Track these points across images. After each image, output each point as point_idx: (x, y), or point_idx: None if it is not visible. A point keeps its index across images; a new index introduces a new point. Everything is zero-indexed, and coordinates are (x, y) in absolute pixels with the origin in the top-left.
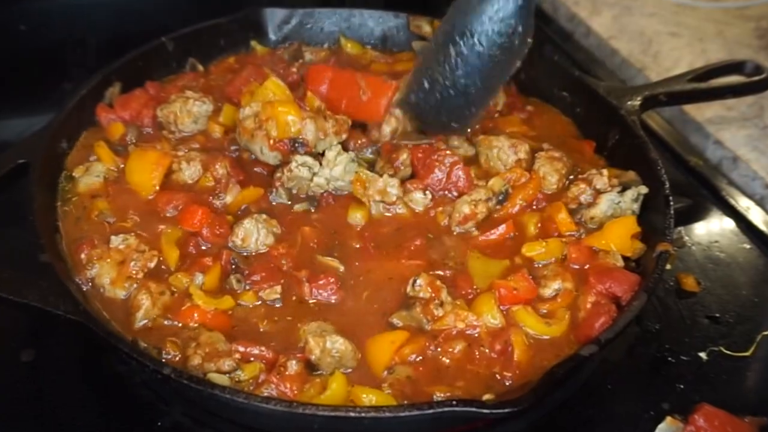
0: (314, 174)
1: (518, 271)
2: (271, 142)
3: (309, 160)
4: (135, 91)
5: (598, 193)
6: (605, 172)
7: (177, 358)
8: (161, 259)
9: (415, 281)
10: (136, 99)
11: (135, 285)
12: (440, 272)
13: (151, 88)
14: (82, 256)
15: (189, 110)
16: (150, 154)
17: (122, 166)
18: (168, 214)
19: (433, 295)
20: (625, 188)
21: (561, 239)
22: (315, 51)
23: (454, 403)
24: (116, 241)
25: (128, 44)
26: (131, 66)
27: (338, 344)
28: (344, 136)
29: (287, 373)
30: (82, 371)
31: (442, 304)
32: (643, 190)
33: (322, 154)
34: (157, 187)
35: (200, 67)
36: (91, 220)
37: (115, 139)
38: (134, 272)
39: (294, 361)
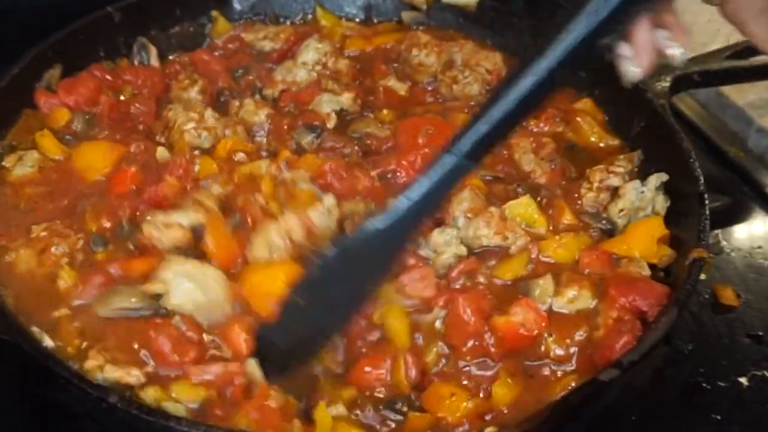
0: None
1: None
2: None
3: None
4: (81, 73)
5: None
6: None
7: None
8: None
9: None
10: (83, 83)
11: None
12: None
13: (96, 71)
14: None
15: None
16: (101, 143)
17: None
18: None
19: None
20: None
21: (578, 235)
22: (276, 33)
23: None
24: (37, 229)
25: (67, 15)
26: (70, 42)
27: None
28: None
29: (269, 404)
30: (14, 399)
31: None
32: (663, 177)
33: None
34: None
35: (152, 49)
36: (18, 211)
37: (60, 126)
38: (56, 257)
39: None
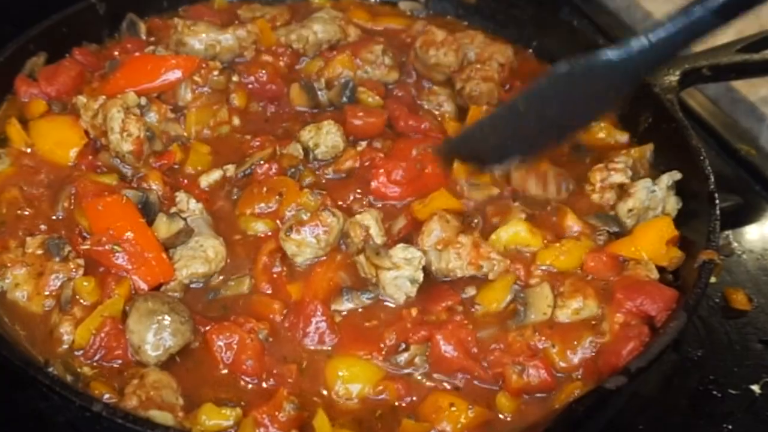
0: None
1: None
2: None
3: None
4: (63, 61)
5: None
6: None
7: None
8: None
9: None
10: (65, 71)
11: (54, 302)
12: None
13: (79, 55)
14: None
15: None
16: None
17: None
18: None
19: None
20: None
21: (580, 240)
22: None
23: None
24: (33, 243)
25: (50, 6)
26: (53, 33)
27: None
28: None
29: (280, 416)
30: None
31: None
32: (676, 176)
33: None
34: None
35: (141, 26)
36: (2, 215)
37: (35, 117)
38: (54, 290)
39: (291, 405)
